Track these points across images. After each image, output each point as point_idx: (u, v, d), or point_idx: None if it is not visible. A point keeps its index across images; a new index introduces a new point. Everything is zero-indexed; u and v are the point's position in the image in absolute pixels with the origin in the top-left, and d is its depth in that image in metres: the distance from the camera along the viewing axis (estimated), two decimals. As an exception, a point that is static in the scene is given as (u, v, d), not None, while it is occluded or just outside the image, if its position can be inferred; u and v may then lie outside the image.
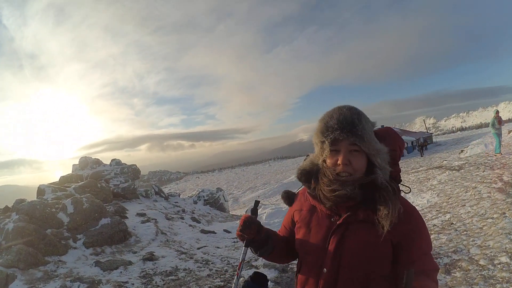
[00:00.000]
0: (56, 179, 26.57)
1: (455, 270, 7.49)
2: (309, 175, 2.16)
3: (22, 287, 9.15)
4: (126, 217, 17.05)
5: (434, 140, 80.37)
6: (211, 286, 8.68)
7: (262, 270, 9.36)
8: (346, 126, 1.85)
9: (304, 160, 2.30)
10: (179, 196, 30.24)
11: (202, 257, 12.01)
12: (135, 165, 30.61)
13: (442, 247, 9.14)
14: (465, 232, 9.85)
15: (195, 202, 29.58)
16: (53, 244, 11.62)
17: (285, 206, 19.51)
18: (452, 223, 11.18)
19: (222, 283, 8.89)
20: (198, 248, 13.56)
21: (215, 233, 17.20)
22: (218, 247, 13.86)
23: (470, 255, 8.07)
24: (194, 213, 24.12)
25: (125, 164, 30.77)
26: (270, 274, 8.96)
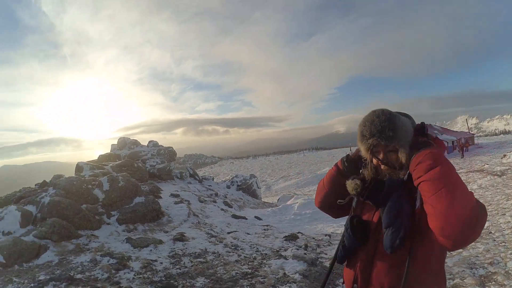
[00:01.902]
0: (95, 157, 27.28)
1: (489, 283, 6.99)
2: (356, 166, 2.46)
3: (53, 258, 9.42)
4: (160, 197, 17.35)
5: (475, 141, 77.32)
6: (238, 272, 8.64)
7: (290, 261, 9.33)
8: (377, 133, 2.16)
9: (349, 152, 2.52)
10: (212, 180, 30.48)
11: (231, 242, 12.06)
12: (172, 147, 31.07)
13: (478, 256, 8.61)
14: (504, 244, 9.24)
15: (228, 187, 29.82)
16: (87, 218, 11.93)
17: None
18: (490, 232, 10.56)
19: (250, 270, 8.82)
20: (228, 233, 13.64)
21: (246, 219, 17.28)
22: (248, 233, 13.89)
23: (507, 269, 7.50)
24: (226, 197, 24.29)
25: (162, 146, 31.28)
26: (299, 266, 8.85)
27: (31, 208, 12.09)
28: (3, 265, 8.65)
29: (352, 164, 2.44)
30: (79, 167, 19.61)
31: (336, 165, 2.50)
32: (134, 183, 15.03)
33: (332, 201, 2.51)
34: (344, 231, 2.38)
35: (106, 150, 30.22)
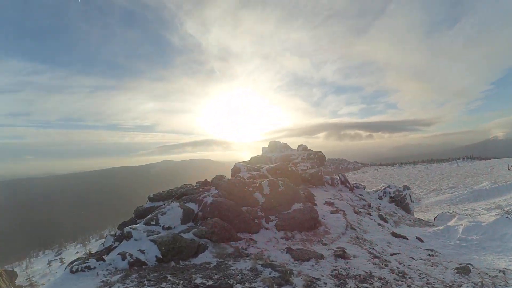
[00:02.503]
0: (243, 158, 27.82)
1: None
2: None
3: (211, 259, 9.20)
4: (315, 204, 16.71)
5: None
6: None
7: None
8: None
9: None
10: (364, 189, 29.07)
11: (397, 267, 10.75)
12: (321, 152, 30.40)
13: None
14: None
15: (380, 198, 28.08)
16: (247, 221, 11.72)
17: (485, 221, 16.66)
18: None
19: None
20: (391, 255, 12.29)
21: (407, 239, 15.58)
22: (413, 258, 12.36)
23: None
24: (380, 210, 22.74)
25: (311, 150, 30.82)
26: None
27: (192, 206, 12.34)
28: (160, 260, 8.72)
29: None
30: (237, 168, 19.97)
31: None
32: (293, 189, 14.71)
33: None
34: None
35: (253, 151, 30.89)
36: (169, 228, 11.05)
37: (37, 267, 49.80)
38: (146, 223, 11.03)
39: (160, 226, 11.02)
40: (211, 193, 12.95)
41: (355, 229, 14.74)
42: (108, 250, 11.39)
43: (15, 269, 42.79)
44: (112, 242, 13.12)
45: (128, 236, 10.07)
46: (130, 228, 10.38)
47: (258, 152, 31.47)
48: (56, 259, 50.39)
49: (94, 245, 53.77)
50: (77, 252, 52.48)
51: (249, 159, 30.15)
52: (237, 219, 11.56)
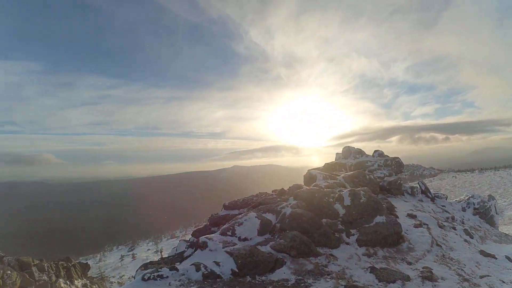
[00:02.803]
0: (313, 164, 27.11)
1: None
2: None
3: (289, 276, 8.61)
4: (397, 216, 15.66)
5: None
6: None
7: None
8: None
9: None
10: (445, 199, 27.13)
11: (488, 293, 9.61)
12: (399, 158, 28.87)
13: None
14: None
15: (464, 209, 25.99)
16: (327, 235, 11.03)
17: None
18: None
19: None
20: (481, 277, 11.00)
21: (496, 258, 14.01)
22: (503, 282, 10.96)
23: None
24: (464, 223, 20.92)
25: (388, 156, 29.35)
26: None
27: (270, 217, 11.86)
28: (235, 274, 8.31)
29: None
30: (312, 176, 19.22)
31: None
32: (376, 200, 13.79)
33: None
34: None
35: (323, 157, 30.21)
36: (245, 239, 10.65)
37: (110, 260, 52.31)
38: (222, 233, 10.70)
39: (236, 237, 10.64)
40: (289, 204, 12.45)
41: (440, 246, 13.55)
42: (181, 257, 11.23)
43: (89, 262, 45.36)
44: (185, 248, 12.97)
45: (203, 246, 9.84)
46: (206, 237, 10.12)
47: (328, 157, 30.60)
48: (129, 255, 52.79)
49: (165, 244, 55.43)
50: (148, 249, 54.62)
51: (320, 165, 29.40)
52: (317, 233, 10.93)
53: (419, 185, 25.06)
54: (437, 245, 13.48)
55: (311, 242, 10.37)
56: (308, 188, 14.19)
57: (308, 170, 20.45)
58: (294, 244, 9.84)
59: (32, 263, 22.75)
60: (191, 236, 15.65)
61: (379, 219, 12.76)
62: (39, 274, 22.53)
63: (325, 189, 14.52)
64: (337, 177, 19.04)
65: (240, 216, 11.75)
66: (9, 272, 18.29)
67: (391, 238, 12.22)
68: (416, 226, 14.99)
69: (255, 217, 11.41)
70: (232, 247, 9.39)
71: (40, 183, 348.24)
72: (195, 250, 10.55)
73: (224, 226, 11.18)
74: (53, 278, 24.16)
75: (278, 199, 14.32)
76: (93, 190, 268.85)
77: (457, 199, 28.62)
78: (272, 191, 18.16)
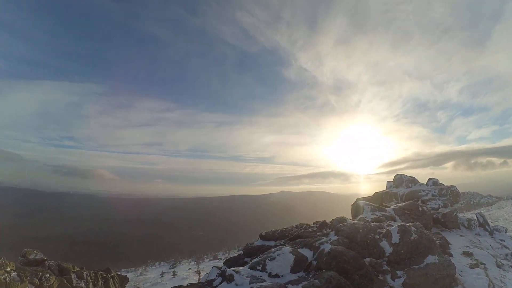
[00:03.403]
0: (362, 191, 25.75)
1: None
2: None
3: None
4: (451, 254, 14.04)
5: None
6: None
7: None
8: None
9: None
10: (505, 232, 24.56)
11: None
12: (455, 186, 26.66)
13: None
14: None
15: (525, 244, 23.54)
16: (369, 277, 9.70)
17: None
18: None
19: None
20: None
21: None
22: None
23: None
24: (525, 260, 18.85)
25: (443, 184, 27.23)
26: None
27: (307, 252, 10.75)
28: None
29: None
30: (359, 207, 17.78)
31: None
32: (429, 238, 12.22)
33: None
34: None
35: (373, 184, 28.64)
36: (276, 276, 9.57)
37: (151, 275, 52.74)
38: (252, 267, 9.69)
39: (266, 272, 9.60)
40: (330, 239, 11.25)
41: (498, 291, 11.93)
42: (210, 285, 10.44)
43: (130, 274, 45.51)
44: (216, 276, 12.14)
45: (230, 279, 9.08)
46: (233, 270, 9.21)
47: (378, 185, 29.04)
48: (169, 272, 53.00)
49: (207, 265, 55.17)
50: (189, 269, 54.72)
51: (370, 193, 27.90)
52: (357, 274, 9.65)
53: (477, 217, 22.90)
54: (495, 289, 11.87)
55: (349, 285, 9.10)
56: (352, 222, 12.77)
57: (356, 200, 19.14)
58: (330, 286, 8.64)
59: (72, 270, 22.87)
60: (223, 265, 14.72)
61: (430, 259, 11.29)
62: (77, 281, 22.61)
63: (371, 223, 13.13)
64: (387, 208, 17.52)
65: (273, 249, 10.65)
66: (48, 275, 18.54)
67: (443, 282, 10.76)
68: (472, 266, 13.37)
69: (290, 252, 10.32)
70: (260, 284, 8.48)
71: (92, 195, 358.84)
72: (222, 281, 9.61)
73: (255, 260, 10.15)
74: (90, 286, 24.18)
75: (318, 233, 13.11)
76: (142, 206, 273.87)
77: (517, 232, 26.03)
78: (314, 223, 16.85)
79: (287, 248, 10.49)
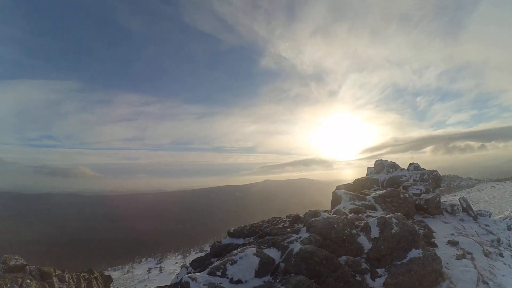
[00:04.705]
0: (345, 177, 24.89)
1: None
2: None
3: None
4: (435, 245, 13.04)
5: None
6: None
7: None
8: None
9: None
10: (489, 217, 23.77)
11: None
12: (437, 171, 25.89)
13: None
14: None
15: (509, 229, 22.72)
16: (345, 278, 8.54)
17: None
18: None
19: None
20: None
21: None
22: None
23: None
24: (511, 245, 18.01)
25: (424, 169, 26.41)
26: None
27: (274, 253, 9.53)
28: None
29: None
30: (337, 196, 16.66)
31: None
32: (411, 230, 11.02)
33: None
34: None
35: (354, 170, 27.91)
36: (238, 282, 8.36)
37: (138, 272, 52.56)
38: (211, 273, 8.44)
39: (227, 278, 8.35)
40: (300, 237, 9.98)
41: (487, 283, 10.96)
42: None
43: (118, 272, 44.99)
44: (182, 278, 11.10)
45: (186, 287, 7.71)
46: (190, 277, 8.01)
47: (360, 171, 28.24)
48: (156, 267, 52.74)
49: (193, 257, 54.63)
50: (176, 263, 54.56)
51: (352, 178, 26.99)
52: (332, 276, 8.38)
53: (460, 202, 22.06)
54: (484, 282, 10.91)
55: (322, 289, 7.94)
56: (326, 216, 11.31)
57: (337, 187, 18.10)
58: (297, 293, 7.48)
59: (54, 273, 22.33)
60: (189, 266, 13.58)
61: (414, 253, 10.17)
62: (59, 284, 22.25)
63: (348, 216, 11.96)
64: (366, 197, 16.40)
65: (235, 251, 9.30)
66: (28, 281, 18.32)
67: (429, 278, 9.72)
68: (458, 258, 12.39)
69: (254, 253, 9.05)
70: (217, 293, 7.23)
71: (75, 194, 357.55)
72: (180, 288, 8.43)
73: (215, 264, 8.87)
74: (73, 289, 23.82)
75: (289, 229, 11.76)
76: (126, 202, 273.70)
77: (501, 216, 25.33)
78: (286, 216, 15.65)
79: (251, 249, 9.25)
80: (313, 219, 11.17)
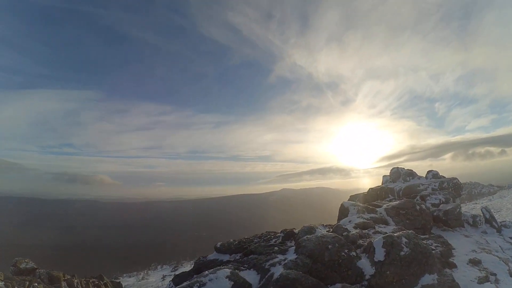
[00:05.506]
0: (363, 186, 23.57)
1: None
2: None
3: None
4: (454, 265, 11.54)
5: None
6: None
7: None
8: None
9: None
10: None
11: None
12: (457, 178, 24.12)
13: None
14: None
15: (539, 241, 20.98)
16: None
17: None
18: None
19: None
20: None
21: None
22: None
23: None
24: (540, 261, 16.31)
25: (444, 177, 24.73)
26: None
27: (252, 277, 8.17)
28: None
29: None
30: (344, 209, 15.09)
31: None
32: (425, 251, 9.34)
33: None
34: None
35: (372, 178, 26.36)
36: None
37: (152, 279, 52.16)
38: (179, 297, 7.16)
39: (194, 303, 7.06)
40: (286, 259, 8.58)
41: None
42: None
43: (132, 279, 44.93)
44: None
45: None
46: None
47: (378, 179, 26.71)
48: (171, 275, 51.95)
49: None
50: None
51: (370, 187, 25.48)
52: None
53: (483, 213, 20.33)
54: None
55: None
56: (320, 235, 9.68)
57: (350, 197, 16.76)
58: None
59: (63, 278, 21.90)
60: (170, 282, 12.40)
61: (427, 279, 8.63)
62: None
63: (350, 233, 10.39)
64: (378, 209, 14.79)
65: (207, 272, 7.92)
66: (36, 284, 18.09)
67: (445, 310, 8.21)
68: (480, 281, 10.82)
69: (226, 276, 7.76)
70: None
71: (93, 201, 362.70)
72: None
73: (182, 285, 7.59)
74: (81, 294, 23.40)
75: (276, 248, 10.25)
76: (144, 209, 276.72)
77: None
78: (281, 231, 14.26)
79: (224, 271, 7.95)
80: (305, 237, 9.71)
